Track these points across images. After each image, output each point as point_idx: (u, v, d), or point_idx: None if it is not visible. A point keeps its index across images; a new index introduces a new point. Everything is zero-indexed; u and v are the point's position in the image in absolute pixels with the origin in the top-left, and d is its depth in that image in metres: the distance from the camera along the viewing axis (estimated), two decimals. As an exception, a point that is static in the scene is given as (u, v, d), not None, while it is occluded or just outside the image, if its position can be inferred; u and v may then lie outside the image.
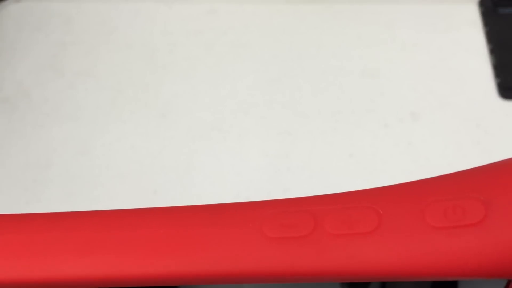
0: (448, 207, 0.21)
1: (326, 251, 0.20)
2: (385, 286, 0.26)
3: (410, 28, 0.55)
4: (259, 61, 0.54)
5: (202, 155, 0.48)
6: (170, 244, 0.20)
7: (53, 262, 0.21)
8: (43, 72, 0.53)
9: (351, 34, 0.55)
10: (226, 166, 0.47)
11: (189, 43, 0.55)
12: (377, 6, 0.57)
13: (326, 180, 0.45)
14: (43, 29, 0.56)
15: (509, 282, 0.20)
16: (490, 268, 0.18)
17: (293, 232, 0.21)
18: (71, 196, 0.47)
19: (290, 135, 0.48)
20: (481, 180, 0.23)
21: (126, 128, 0.50)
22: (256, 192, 0.45)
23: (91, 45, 0.55)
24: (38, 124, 0.50)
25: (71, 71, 0.53)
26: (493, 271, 0.19)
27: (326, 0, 0.57)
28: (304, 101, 0.51)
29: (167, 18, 0.56)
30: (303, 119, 0.49)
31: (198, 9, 0.57)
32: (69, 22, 0.56)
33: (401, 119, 0.49)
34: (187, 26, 0.56)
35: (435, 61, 0.53)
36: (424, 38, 0.55)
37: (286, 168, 0.46)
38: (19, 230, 0.22)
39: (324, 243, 0.20)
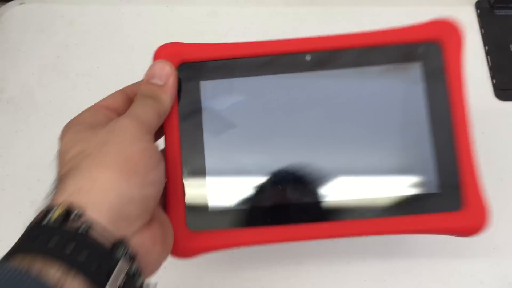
0: None
1: None
2: None
3: (407, 30, 0.56)
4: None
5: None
6: None
7: None
8: (46, 73, 0.54)
9: (349, 36, 0.56)
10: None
11: (190, 45, 0.56)
12: (375, 8, 0.57)
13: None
14: (47, 31, 0.56)
15: None
16: None
17: None
18: (74, 195, 0.48)
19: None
20: None
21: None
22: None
23: (94, 46, 0.55)
24: (41, 124, 0.51)
25: (74, 72, 0.54)
26: None
27: (325, 2, 0.58)
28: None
29: (169, 20, 0.57)
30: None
31: (199, 11, 0.57)
32: (72, 24, 0.57)
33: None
34: (189, 28, 0.56)
35: (432, 62, 0.54)
36: (422, 40, 0.55)
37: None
38: None
39: None
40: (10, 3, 0.59)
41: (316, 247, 0.45)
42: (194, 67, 0.34)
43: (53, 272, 0.23)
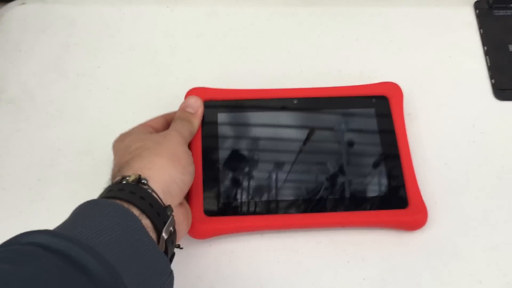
0: None
1: None
2: None
3: (406, 30, 0.56)
4: (259, 63, 0.54)
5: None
6: None
7: None
8: (47, 73, 0.54)
9: (349, 36, 0.56)
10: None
11: (191, 45, 0.56)
12: (375, 8, 0.58)
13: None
14: (48, 31, 0.57)
15: None
16: None
17: None
18: (74, 195, 0.48)
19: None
20: None
21: (129, 129, 0.51)
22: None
23: (94, 47, 0.56)
24: (42, 124, 0.51)
25: (75, 72, 0.54)
26: None
27: (325, 3, 0.58)
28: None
29: (169, 20, 0.57)
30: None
31: (199, 12, 0.58)
32: (73, 25, 0.57)
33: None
34: (189, 29, 0.57)
35: (431, 62, 0.54)
36: (421, 40, 0.55)
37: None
38: None
39: None
40: (11, 4, 0.59)
41: (316, 246, 0.45)
42: (215, 104, 0.48)
43: (134, 210, 0.35)
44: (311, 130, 0.48)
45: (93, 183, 0.48)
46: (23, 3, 0.59)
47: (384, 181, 0.46)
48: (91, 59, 0.55)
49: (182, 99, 0.52)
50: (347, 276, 0.44)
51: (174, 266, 0.44)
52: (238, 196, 0.45)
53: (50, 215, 0.47)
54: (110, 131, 0.50)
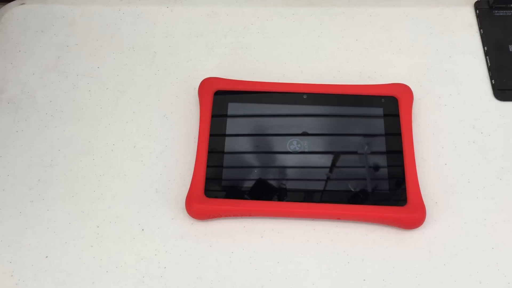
0: None
1: None
2: None
3: (407, 30, 0.56)
4: (259, 63, 0.54)
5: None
6: None
7: None
8: (47, 73, 0.54)
9: (349, 36, 0.56)
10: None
11: (191, 45, 0.56)
12: (375, 8, 0.58)
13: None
14: (47, 31, 0.57)
15: None
16: None
17: None
18: (74, 195, 0.48)
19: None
20: None
21: (129, 129, 0.51)
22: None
23: (94, 47, 0.56)
24: (42, 125, 0.51)
25: (75, 72, 0.54)
26: None
27: (325, 3, 0.58)
28: (303, 102, 0.51)
29: (169, 20, 0.57)
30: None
31: (199, 12, 0.58)
32: (72, 25, 0.57)
33: (398, 119, 0.50)
34: (188, 28, 0.57)
35: (431, 62, 0.54)
36: (421, 40, 0.55)
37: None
38: None
39: None
40: (10, 4, 0.59)
41: (315, 247, 0.45)
42: (226, 93, 0.51)
43: None
44: (318, 123, 0.49)
45: (92, 184, 0.48)
46: (23, 3, 0.59)
47: (385, 177, 0.47)
48: (91, 59, 0.55)
49: (182, 99, 0.52)
50: (347, 277, 0.44)
51: (174, 266, 0.44)
52: (240, 181, 0.47)
53: (50, 215, 0.47)
54: (110, 131, 0.51)
